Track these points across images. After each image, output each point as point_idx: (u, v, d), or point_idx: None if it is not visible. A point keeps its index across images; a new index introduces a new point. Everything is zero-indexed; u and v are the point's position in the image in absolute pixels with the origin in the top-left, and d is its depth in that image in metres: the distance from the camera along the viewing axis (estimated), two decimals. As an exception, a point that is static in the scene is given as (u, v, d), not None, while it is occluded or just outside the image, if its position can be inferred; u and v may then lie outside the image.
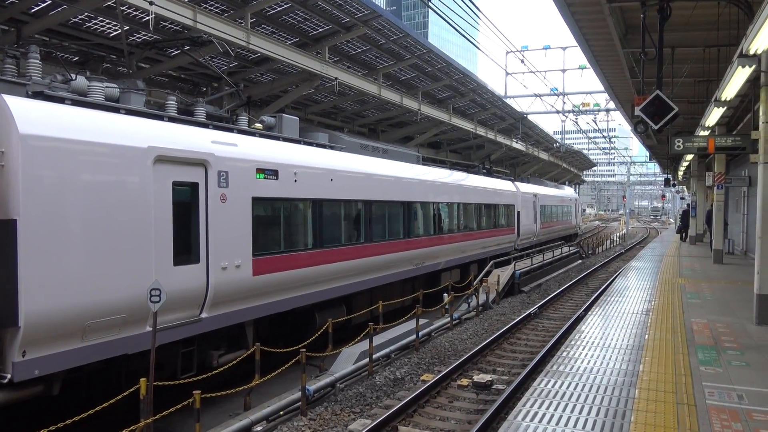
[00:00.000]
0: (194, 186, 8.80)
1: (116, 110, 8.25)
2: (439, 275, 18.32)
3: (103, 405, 6.76)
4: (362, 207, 13.44)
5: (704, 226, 31.29)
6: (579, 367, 7.67)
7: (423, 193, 16.76)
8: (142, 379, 6.83)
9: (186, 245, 8.63)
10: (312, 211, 11.58)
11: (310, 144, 12.48)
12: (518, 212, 26.87)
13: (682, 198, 69.70)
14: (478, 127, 27.00)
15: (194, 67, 14.44)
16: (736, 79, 9.54)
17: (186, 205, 8.67)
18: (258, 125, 11.65)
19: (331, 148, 13.23)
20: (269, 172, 10.33)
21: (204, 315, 8.91)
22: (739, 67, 8.72)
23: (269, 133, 11.38)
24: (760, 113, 10.04)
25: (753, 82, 11.22)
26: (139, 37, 12.76)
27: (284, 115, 12.34)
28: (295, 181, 11.00)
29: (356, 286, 13.14)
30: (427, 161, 20.70)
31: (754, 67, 8.74)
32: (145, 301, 7.17)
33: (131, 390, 6.99)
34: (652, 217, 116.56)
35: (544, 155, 41.43)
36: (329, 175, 12.14)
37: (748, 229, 22.54)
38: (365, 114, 22.43)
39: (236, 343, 10.06)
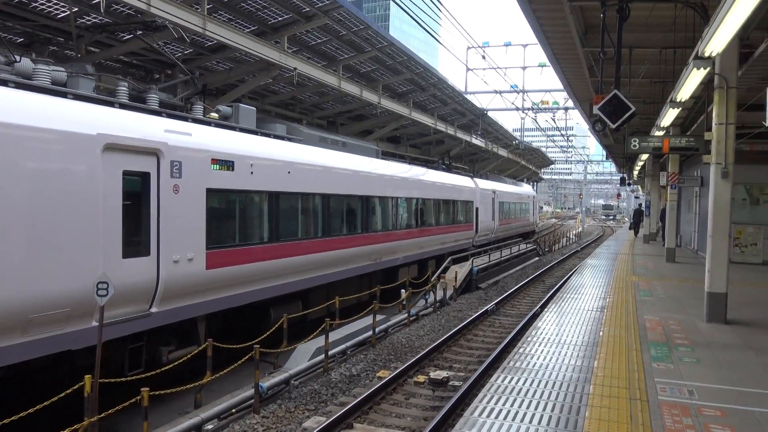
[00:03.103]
0: (146, 176, 8.60)
1: (63, 95, 7.99)
2: (397, 271, 18.37)
3: (45, 403, 6.54)
4: (320, 201, 13.38)
5: (658, 224, 32.30)
6: (535, 363, 7.79)
7: (382, 187, 16.77)
8: (87, 376, 6.64)
9: (136, 237, 8.44)
10: (268, 203, 11.47)
11: (268, 135, 12.35)
12: (477, 208, 27.15)
13: (636, 197, 71.68)
14: (438, 123, 27.14)
15: (147, 53, 14.08)
16: (691, 81, 9.79)
17: (137, 196, 8.47)
18: (213, 115, 11.47)
19: (289, 139, 13.12)
20: (225, 163, 10.19)
21: (154, 309, 8.74)
22: (694, 69, 8.94)
23: (225, 122, 11.22)
24: (714, 115, 10.33)
25: (707, 85, 11.54)
26: (89, 20, 12.35)
27: (241, 104, 12.17)
28: (252, 172, 10.88)
29: (313, 281, 13.09)
30: (386, 155, 20.71)
31: (708, 69, 8.97)
32: (91, 294, 6.96)
33: (75, 387, 6.79)
34: (603, 217, 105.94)
35: (503, 152, 41.94)
36: (287, 167, 12.04)
37: (699, 229, 23.26)
38: (324, 106, 22.29)
39: (187, 339, 9.90)
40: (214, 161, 9.95)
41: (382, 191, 16.74)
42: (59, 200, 7.26)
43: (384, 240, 16.77)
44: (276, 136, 12.64)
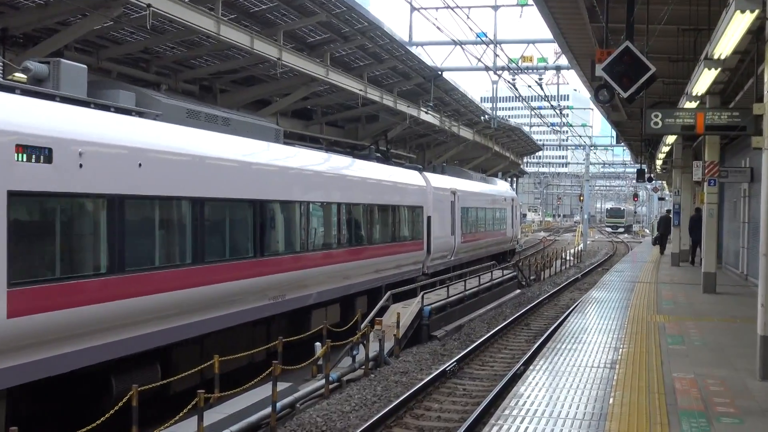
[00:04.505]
0: None
1: None
2: (310, 314, 18.31)
3: None
4: (189, 208, 13.23)
5: (689, 238, 33.30)
6: (515, 448, 7.88)
7: (285, 187, 16.73)
8: None
9: None
10: (108, 214, 11.29)
11: (107, 108, 12.17)
12: (429, 217, 27.35)
13: (661, 199, 74.00)
14: (369, 88, 27.27)
15: None
16: (733, 29, 10.10)
17: None
18: (20, 76, 11.22)
19: (141, 114, 12.94)
20: (38, 152, 10.01)
21: (-77, 383, 8.44)
22: (737, 12, 9.23)
23: (38, 89, 11.01)
24: (766, 78, 10.56)
25: (756, 35, 11.96)
26: None
27: (63, 60, 11.92)
28: (81, 165, 10.69)
29: (178, 332, 12.94)
30: (291, 139, 20.65)
31: (757, 12, 9.27)
32: None
33: None
34: (609, 229, 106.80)
35: (467, 133, 42.57)
36: (137, 157, 11.88)
37: (750, 244, 23.87)
38: (195, 63, 22.10)
39: (-22, 428, 9.59)
40: (21, 149, 9.72)
41: (285, 194, 16.69)
42: None
43: (289, 267, 16.68)
44: (120, 110, 12.47)
